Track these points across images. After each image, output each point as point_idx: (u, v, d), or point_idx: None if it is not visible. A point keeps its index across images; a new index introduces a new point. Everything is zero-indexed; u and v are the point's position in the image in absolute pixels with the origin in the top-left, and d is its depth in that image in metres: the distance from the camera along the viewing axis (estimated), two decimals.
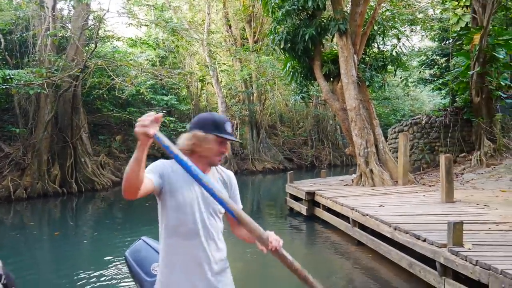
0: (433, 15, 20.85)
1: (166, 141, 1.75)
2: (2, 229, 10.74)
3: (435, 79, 20.96)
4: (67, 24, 17.27)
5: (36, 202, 14.15)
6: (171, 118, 19.07)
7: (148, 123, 1.71)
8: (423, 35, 23.36)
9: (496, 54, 12.20)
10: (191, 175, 1.82)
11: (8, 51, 16.17)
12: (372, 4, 12.45)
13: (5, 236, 9.78)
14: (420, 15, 20.26)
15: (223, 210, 2.17)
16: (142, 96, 19.75)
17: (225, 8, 25.81)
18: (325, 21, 11.78)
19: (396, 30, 13.74)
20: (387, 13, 14.39)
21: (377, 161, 11.09)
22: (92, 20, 17.66)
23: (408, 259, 5.54)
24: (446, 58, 19.86)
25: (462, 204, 7.67)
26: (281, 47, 11.93)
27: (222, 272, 2.16)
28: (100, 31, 18.16)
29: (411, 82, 25.72)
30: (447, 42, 19.72)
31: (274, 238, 1.98)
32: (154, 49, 24.75)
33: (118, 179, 17.63)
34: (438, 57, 21.42)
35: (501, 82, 12.80)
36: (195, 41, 23.62)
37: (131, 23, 18.75)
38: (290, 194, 11.76)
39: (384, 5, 13.94)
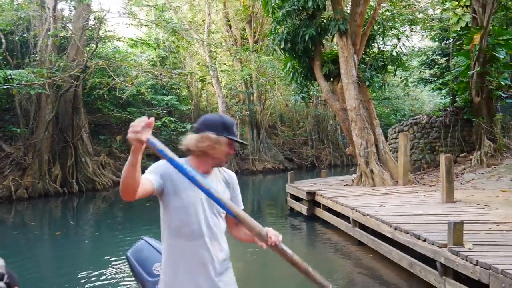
0: (433, 15, 20.86)
1: (159, 145, 1.75)
2: (3, 228, 10.77)
3: (435, 79, 20.97)
4: (68, 25, 17.29)
5: (37, 202, 14.17)
6: (171, 118, 19.08)
7: (140, 128, 1.69)
8: (423, 35, 23.38)
9: (496, 54, 12.20)
10: (187, 177, 1.82)
11: (9, 51, 16.18)
12: (372, 4, 12.46)
13: (6, 236, 9.81)
14: (420, 15, 20.27)
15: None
16: (143, 96, 19.77)
17: (225, 8, 25.82)
18: (325, 21, 11.80)
19: (396, 30, 13.75)
20: (387, 13, 14.42)
21: (378, 161, 11.10)
22: (92, 20, 17.67)
23: (408, 259, 5.55)
24: (446, 58, 19.88)
25: (463, 204, 7.68)
26: (281, 47, 11.94)
27: (225, 272, 2.18)
28: (100, 32, 18.17)
29: (411, 82, 25.72)
30: (447, 42, 19.73)
31: (273, 234, 2.00)
32: (155, 49, 24.76)
33: (119, 179, 17.19)
34: (438, 57, 21.43)
35: (501, 82, 12.81)
36: (195, 41, 23.63)
37: (131, 24, 18.78)
38: (291, 194, 11.78)
39: (384, 5, 13.96)
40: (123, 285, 5.81)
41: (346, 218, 8.14)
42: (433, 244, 4.99)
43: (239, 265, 6.48)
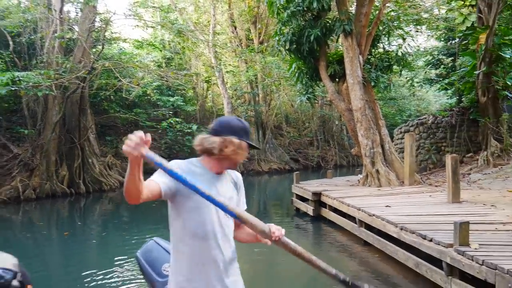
0: (439, 15, 20.80)
1: (157, 158, 1.76)
2: (12, 228, 10.88)
3: (441, 79, 20.88)
4: (74, 26, 17.42)
5: (45, 203, 14.29)
6: (177, 119, 19.19)
7: (134, 145, 1.68)
8: (428, 35, 23.31)
9: (502, 54, 12.17)
10: (187, 186, 1.84)
11: (16, 53, 16.33)
12: (377, 4, 12.47)
13: (15, 236, 9.91)
14: (425, 15, 20.22)
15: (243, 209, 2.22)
16: (149, 97, 19.88)
17: (230, 9, 25.90)
18: (330, 22, 11.81)
19: (401, 30, 13.74)
20: (392, 13, 14.39)
21: (383, 162, 11.10)
22: (99, 22, 17.80)
23: (414, 259, 5.56)
24: (452, 58, 19.81)
25: (469, 204, 7.67)
26: (287, 48, 11.96)
27: (234, 271, 2.20)
28: (106, 33, 18.32)
29: (417, 82, 25.65)
30: (453, 42, 19.66)
31: (276, 228, 2.03)
32: (160, 51, 24.91)
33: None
34: (444, 57, 21.34)
35: (508, 82, 12.76)
36: (200, 42, 23.70)
37: (137, 25, 18.88)
38: (297, 195, 11.80)
39: (389, 5, 13.94)
40: (132, 285, 5.86)
41: (352, 218, 8.15)
42: (439, 244, 4.99)
43: (246, 265, 6.51)
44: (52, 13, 15.52)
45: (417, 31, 21.30)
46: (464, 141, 13.83)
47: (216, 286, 2.09)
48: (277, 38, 12.28)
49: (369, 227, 7.35)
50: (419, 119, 15.25)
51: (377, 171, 10.94)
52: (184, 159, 2.20)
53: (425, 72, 25.08)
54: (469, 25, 14.29)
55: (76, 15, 18.28)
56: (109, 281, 6.03)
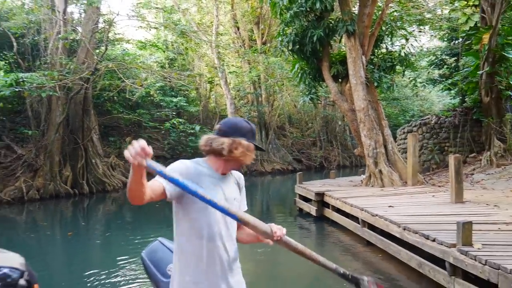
0: (442, 15, 20.76)
1: (158, 167, 1.77)
2: (16, 229, 10.93)
3: (444, 79, 20.85)
4: (77, 28, 17.48)
5: (48, 203, 14.35)
6: (180, 120, 19.21)
7: (134, 155, 1.69)
8: (431, 35, 23.26)
9: (505, 54, 12.17)
10: (189, 192, 1.85)
11: (20, 55, 16.40)
12: (380, 4, 12.46)
13: (19, 236, 9.96)
14: (428, 15, 20.18)
15: (242, 210, 2.23)
16: (152, 98, 19.91)
17: (233, 10, 25.92)
18: (333, 22, 11.81)
19: (404, 30, 13.72)
20: (395, 14, 14.38)
21: (386, 162, 11.10)
22: (102, 23, 17.86)
23: (417, 259, 5.56)
24: (455, 58, 19.75)
25: (472, 205, 7.66)
26: (289, 48, 11.97)
27: (236, 270, 2.21)
28: (110, 34, 18.36)
29: (420, 83, 25.58)
30: (456, 42, 19.62)
31: (277, 228, 2.05)
32: (163, 51, 24.95)
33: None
34: (447, 57, 21.29)
35: (511, 82, 12.74)
36: (203, 43, 23.76)
37: (140, 26, 18.92)
38: (300, 195, 11.80)
39: (392, 5, 13.93)
40: (135, 284, 5.88)
41: (355, 218, 8.15)
42: (442, 244, 5.00)
43: (250, 265, 6.53)
44: (56, 14, 15.59)
45: (420, 31, 21.24)
46: (467, 141, 13.80)
47: (221, 285, 2.11)
48: (280, 38, 12.30)
49: (372, 227, 7.35)
50: (422, 119, 15.24)
51: (380, 171, 10.94)
52: (187, 159, 2.20)
53: (428, 72, 25.04)
54: (472, 25, 14.25)
55: (80, 16, 18.40)
56: (113, 280, 6.06)
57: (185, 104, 21.69)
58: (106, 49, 16.91)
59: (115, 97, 19.48)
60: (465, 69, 15.59)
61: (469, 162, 13.30)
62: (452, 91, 20.88)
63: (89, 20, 16.68)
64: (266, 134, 26.59)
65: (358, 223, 7.89)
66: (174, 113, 21.32)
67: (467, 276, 4.62)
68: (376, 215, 7.04)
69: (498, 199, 8.19)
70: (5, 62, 17.81)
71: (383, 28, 12.49)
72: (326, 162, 28.30)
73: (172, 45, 26.26)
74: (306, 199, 11.20)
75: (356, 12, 12.00)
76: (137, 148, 1.69)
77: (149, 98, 20.94)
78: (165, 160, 20.97)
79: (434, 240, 5.21)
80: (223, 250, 2.12)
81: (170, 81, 18.80)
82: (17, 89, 13.27)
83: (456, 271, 4.69)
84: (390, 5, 12.78)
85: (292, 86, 25.63)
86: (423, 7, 19.15)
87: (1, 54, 17.46)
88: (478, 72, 12.88)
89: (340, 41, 14.14)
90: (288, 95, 28.05)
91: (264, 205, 14.52)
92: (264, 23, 25.98)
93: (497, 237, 5.15)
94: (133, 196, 1.85)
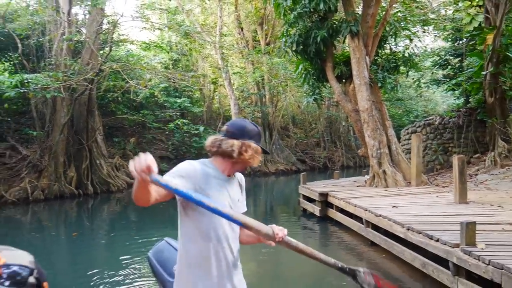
0: (446, 15, 20.71)
1: (162, 180, 1.79)
2: (21, 229, 10.99)
3: (448, 79, 20.79)
4: (82, 29, 17.56)
5: (53, 204, 14.41)
6: (184, 121, 19.28)
7: (139, 170, 1.69)
8: (435, 36, 23.21)
9: (509, 54, 12.11)
10: (193, 202, 1.87)
11: (25, 56, 16.48)
12: (384, 5, 12.46)
13: (24, 236, 10.00)
14: (432, 16, 20.14)
15: (242, 211, 2.25)
16: (156, 99, 19.97)
17: (237, 10, 25.95)
18: (336, 23, 11.81)
19: (408, 31, 13.71)
20: (399, 14, 14.37)
21: (390, 162, 11.09)
22: (106, 24, 17.92)
23: (421, 259, 5.57)
24: (459, 58, 19.70)
25: (476, 205, 7.65)
26: (293, 49, 11.98)
27: (238, 270, 2.24)
28: (114, 35, 18.43)
29: (424, 83, 25.52)
30: (460, 42, 19.55)
31: (278, 229, 2.07)
32: (167, 52, 25.02)
33: (133, 180, 17.78)
34: (451, 58, 21.22)
35: None
36: (207, 43, 23.79)
37: (144, 27, 18.98)
38: (303, 195, 11.81)
39: (396, 6, 13.92)
40: (139, 284, 5.91)
41: (358, 219, 8.16)
42: (445, 244, 5.00)
43: (252, 265, 6.55)
44: (60, 15, 15.67)
45: (424, 32, 21.23)
46: (471, 142, 13.77)
47: (227, 285, 2.12)
48: (283, 39, 12.30)
49: (376, 228, 7.36)
50: (426, 120, 15.21)
51: (384, 171, 10.93)
52: (191, 159, 2.21)
53: (432, 72, 24.97)
54: (476, 25, 14.24)
55: (84, 18, 18.45)
56: (117, 280, 6.09)
57: (189, 104, 21.72)
58: (111, 50, 16.98)
59: (119, 98, 19.56)
60: (469, 70, 15.54)
61: (473, 162, 13.27)
62: (456, 92, 20.81)
63: (94, 21, 16.75)
64: (270, 134, 26.60)
65: (362, 224, 7.90)
66: (178, 114, 21.37)
67: (470, 276, 4.62)
68: (380, 216, 7.05)
69: (502, 199, 8.17)
70: (10, 64, 17.91)
71: (387, 28, 12.49)
72: (330, 163, 28.28)
73: (176, 46, 26.33)
74: (310, 200, 11.21)
75: (360, 12, 11.99)
76: (142, 164, 1.69)
77: (153, 99, 21.00)
78: (169, 160, 21.02)
79: (437, 240, 5.21)
80: (229, 251, 2.13)
81: (174, 82, 18.84)
82: (22, 90, 13.34)
83: (460, 271, 4.70)
84: (394, 5, 12.77)
85: (296, 87, 25.64)
86: (427, 8, 19.13)
87: (6, 55, 17.57)
88: (482, 73, 12.84)
89: (344, 42, 14.14)
90: (292, 95, 28.06)
91: (268, 206, 14.53)
92: (267, 23, 25.99)
93: (501, 237, 5.15)
94: (138, 199, 1.88)
